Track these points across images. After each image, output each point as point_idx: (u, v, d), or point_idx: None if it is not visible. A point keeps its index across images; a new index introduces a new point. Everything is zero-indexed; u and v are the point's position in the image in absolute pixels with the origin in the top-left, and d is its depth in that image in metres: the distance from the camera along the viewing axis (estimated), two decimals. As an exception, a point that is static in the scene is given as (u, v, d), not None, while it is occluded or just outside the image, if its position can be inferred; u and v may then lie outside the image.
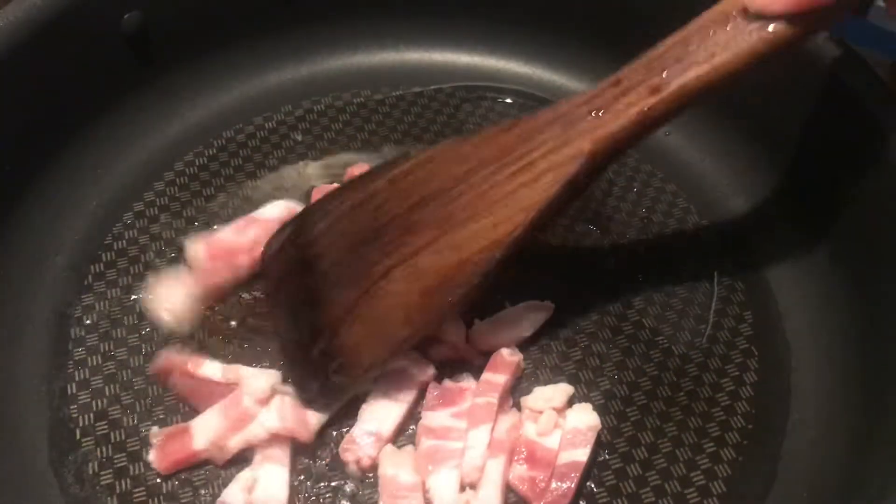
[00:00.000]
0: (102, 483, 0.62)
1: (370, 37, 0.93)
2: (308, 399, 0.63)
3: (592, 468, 0.63)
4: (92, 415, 0.66)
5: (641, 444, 0.65)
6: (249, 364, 0.67)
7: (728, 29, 0.52)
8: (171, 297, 0.71)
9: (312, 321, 0.62)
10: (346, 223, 0.62)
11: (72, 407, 0.66)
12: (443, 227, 0.58)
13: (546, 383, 0.67)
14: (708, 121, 0.83)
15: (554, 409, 0.63)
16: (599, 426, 0.63)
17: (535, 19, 0.90)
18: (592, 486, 0.63)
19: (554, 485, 0.60)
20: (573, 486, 0.60)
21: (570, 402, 0.65)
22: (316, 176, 0.83)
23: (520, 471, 0.61)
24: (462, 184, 0.58)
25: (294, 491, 0.61)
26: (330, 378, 0.61)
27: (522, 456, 0.62)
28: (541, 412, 0.63)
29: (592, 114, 0.57)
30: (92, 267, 0.75)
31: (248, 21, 0.88)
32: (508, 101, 0.91)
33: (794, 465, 0.64)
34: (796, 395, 0.68)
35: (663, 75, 0.55)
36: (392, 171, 0.62)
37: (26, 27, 0.72)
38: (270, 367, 0.66)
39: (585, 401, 0.66)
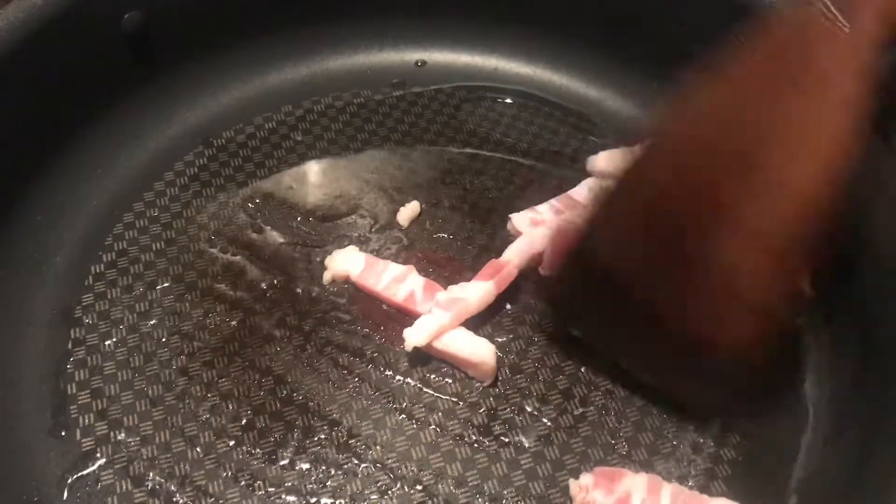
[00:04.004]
0: (103, 483, 0.62)
1: (370, 37, 0.93)
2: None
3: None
4: (92, 415, 0.66)
5: (641, 445, 0.65)
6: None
7: None
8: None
9: (649, 325, 0.53)
10: (640, 219, 0.52)
11: (72, 407, 0.66)
12: (754, 183, 0.47)
13: (546, 383, 0.68)
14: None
15: None
16: None
17: (535, 19, 0.90)
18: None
19: None
20: None
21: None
22: (316, 176, 0.83)
23: None
24: (748, 129, 0.47)
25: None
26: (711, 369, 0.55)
27: None
28: None
29: None
30: (92, 267, 0.75)
31: (247, 21, 0.88)
32: (508, 101, 0.91)
33: (795, 465, 0.64)
34: (796, 396, 0.68)
35: None
36: (656, 153, 0.50)
37: (26, 27, 0.72)
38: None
39: (588, 401, 0.67)
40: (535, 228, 0.75)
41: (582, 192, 0.79)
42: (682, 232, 0.49)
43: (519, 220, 0.77)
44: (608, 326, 0.57)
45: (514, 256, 0.73)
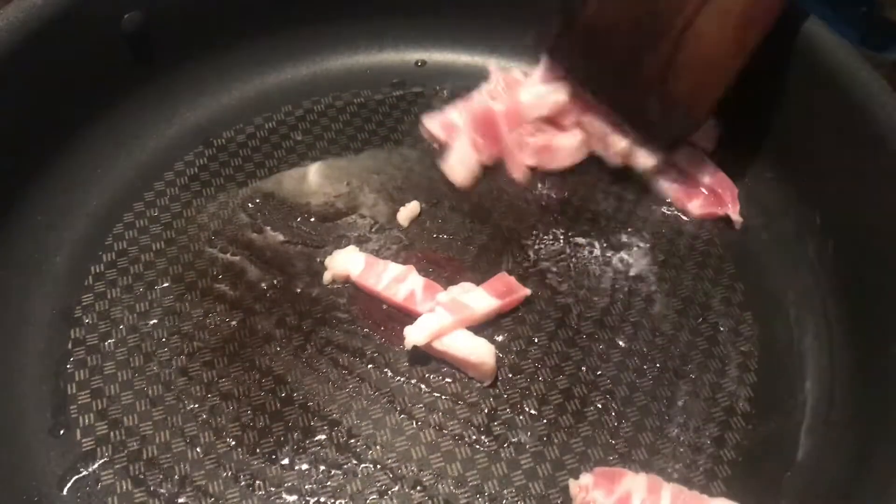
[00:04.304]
0: (103, 483, 0.62)
1: (370, 37, 0.93)
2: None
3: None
4: (92, 415, 0.66)
5: (641, 445, 0.65)
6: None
7: None
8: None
9: (635, 83, 0.69)
10: None
11: (72, 407, 0.66)
12: None
13: (546, 383, 0.68)
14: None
15: None
16: None
17: (535, 20, 0.90)
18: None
19: None
20: None
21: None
22: (316, 176, 0.83)
23: None
24: None
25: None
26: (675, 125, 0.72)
27: None
28: None
29: None
30: (92, 267, 0.75)
31: (248, 21, 0.88)
32: (508, 101, 0.90)
33: (795, 465, 0.64)
34: (796, 396, 0.68)
35: None
36: None
37: (26, 27, 0.72)
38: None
39: (588, 401, 0.67)
40: (448, 133, 0.84)
41: (481, 94, 0.85)
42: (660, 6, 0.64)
43: (431, 123, 0.84)
44: (595, 70, 0.71)
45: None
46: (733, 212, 0.78)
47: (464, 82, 0.90)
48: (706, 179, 0.80)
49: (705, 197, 0.80)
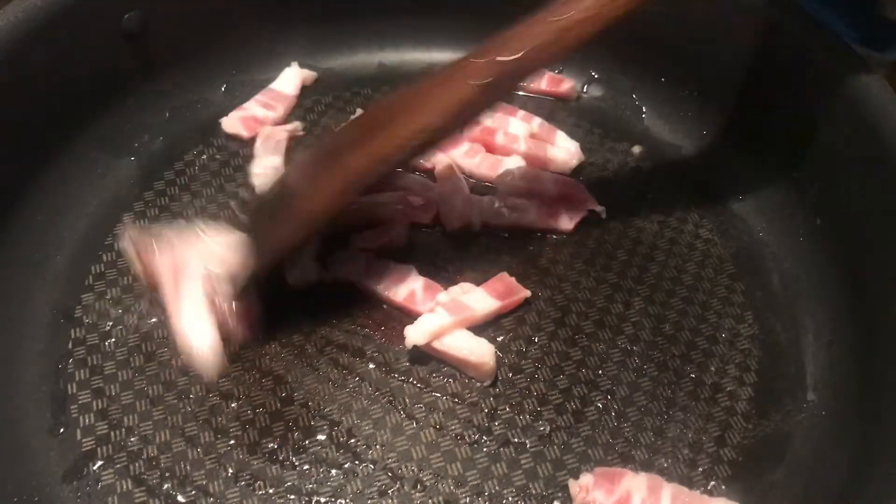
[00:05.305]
0: (103, 483, 0.62)
1: (370, 37, 0.93)
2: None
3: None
4: (92, 414, 0.66)
5: (642, 445, 0.65)
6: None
7: None
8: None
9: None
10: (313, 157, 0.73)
11: (72, 407, 0.66)
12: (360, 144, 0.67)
13: (546, 383, 0.68)
14: (710, 122, 0.84)
15: None
16: None
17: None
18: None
19: None
20: None
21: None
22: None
23: None
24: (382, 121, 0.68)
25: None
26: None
27: None
28: None
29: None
30: (92, 267, 0.75)
31: (247, 21, 0.88)
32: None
33: (795, 465, 0.64)
34: (796, 396, 0.68)
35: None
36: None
37: (26, 27, 0.72)
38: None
39: (588, 401, 0.67)
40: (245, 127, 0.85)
41: (286, 83, 0.89)
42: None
43: (229, 123, 0.85)
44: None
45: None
46: (593, 205, 0.79)
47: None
48: (552, 191, 0.79)
49: (563, 206, 0.79)
